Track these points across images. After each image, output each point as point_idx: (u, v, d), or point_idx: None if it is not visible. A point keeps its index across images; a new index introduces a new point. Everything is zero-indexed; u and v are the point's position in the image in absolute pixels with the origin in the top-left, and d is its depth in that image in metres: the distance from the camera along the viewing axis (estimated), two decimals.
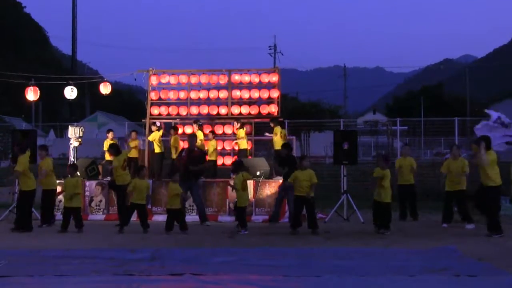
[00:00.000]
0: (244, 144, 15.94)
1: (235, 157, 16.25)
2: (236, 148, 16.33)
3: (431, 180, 18.15)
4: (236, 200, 12.26)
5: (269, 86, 16.57)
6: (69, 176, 12.54)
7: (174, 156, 15.74)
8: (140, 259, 8.26)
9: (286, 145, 13.59)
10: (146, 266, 7.77)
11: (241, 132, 15.99)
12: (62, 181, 13.13)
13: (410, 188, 13.63)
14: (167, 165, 16.80)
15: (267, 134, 16.64)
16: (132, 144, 16.89)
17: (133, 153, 16.78)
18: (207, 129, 16.50)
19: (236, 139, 16.22)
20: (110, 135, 17.08)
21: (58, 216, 13.56)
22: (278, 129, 15.20)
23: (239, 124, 16.00)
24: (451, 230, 11.80)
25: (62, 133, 41.86)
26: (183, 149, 14.18)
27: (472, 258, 8.25)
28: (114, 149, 13.20)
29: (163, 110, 16.76)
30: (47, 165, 12.81)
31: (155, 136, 16.29)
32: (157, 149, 16.47)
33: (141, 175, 12.31)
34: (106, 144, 16.25)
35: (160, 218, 13.56)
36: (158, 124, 16.62)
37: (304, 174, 11.69)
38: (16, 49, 71.27)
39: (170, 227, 11.69)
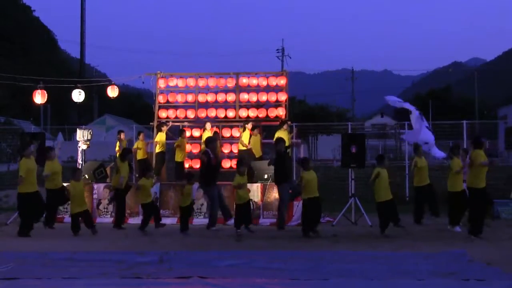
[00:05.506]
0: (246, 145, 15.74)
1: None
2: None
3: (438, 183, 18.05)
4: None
5: (277, 89, 16.58)
6: (75, 180, 12.33)
7: (178, 159, 15.78)
8: (148, 262, 8.27)
9: (280, 140, 13.31)
10: (154, 269, 7.78)
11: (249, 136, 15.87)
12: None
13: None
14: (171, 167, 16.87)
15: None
16: (140, 145, 16.99)
17: (141, 154, 16.87)
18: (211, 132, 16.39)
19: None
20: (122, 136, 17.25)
21: (67, 219, 13.63)
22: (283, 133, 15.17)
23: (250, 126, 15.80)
24: (460, 234, 11.73)
25: (70, 136, 41.97)
26: (206, 151, 13.17)
27: (481, 262, 8.21)
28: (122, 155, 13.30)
29: (171, 113, 16.82)
30: (51, 167, 12.75)
31: (162, 138, 16.29)
32: (158, 149, 16.43)
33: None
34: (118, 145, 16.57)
35: (167, 221, 13.58)
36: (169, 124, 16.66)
37: (312, 174, 11.73)
38: (25, 53, 71.61)
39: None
